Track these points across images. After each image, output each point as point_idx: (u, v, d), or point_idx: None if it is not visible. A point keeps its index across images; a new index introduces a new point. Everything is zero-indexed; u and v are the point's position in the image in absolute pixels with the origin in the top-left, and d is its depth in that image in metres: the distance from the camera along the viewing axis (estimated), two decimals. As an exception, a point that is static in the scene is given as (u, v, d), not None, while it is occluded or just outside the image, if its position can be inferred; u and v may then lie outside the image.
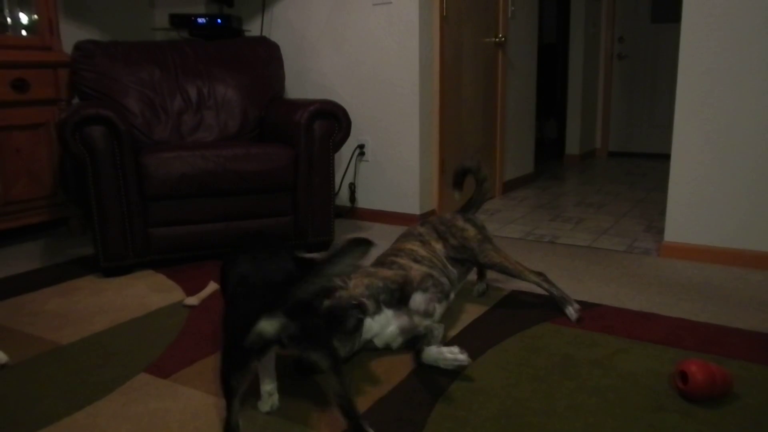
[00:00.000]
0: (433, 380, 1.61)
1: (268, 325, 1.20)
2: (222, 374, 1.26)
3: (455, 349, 1.63)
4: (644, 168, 5.22)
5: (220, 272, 1.59)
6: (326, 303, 1.66)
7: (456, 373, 1.64)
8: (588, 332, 1.90)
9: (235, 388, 1.25)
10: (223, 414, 1.31)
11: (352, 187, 3.53)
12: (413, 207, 3.34)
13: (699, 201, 2.60)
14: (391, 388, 1.57)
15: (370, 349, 1.77)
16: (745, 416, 1.42)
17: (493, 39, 3.84)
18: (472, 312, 2.08)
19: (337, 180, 3.57)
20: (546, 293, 2.13)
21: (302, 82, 3.61)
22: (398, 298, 1.77)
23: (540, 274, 2.06)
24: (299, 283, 1.19)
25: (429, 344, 1.69)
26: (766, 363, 1.68)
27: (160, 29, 3.83)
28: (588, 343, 1.81)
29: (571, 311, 2.01)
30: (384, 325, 1.74)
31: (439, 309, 1.87)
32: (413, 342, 1.77)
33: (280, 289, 1.25)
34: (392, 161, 3.37)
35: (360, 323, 1.68)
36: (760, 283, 2.33)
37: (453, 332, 1.91)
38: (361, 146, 3.45)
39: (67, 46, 3.28)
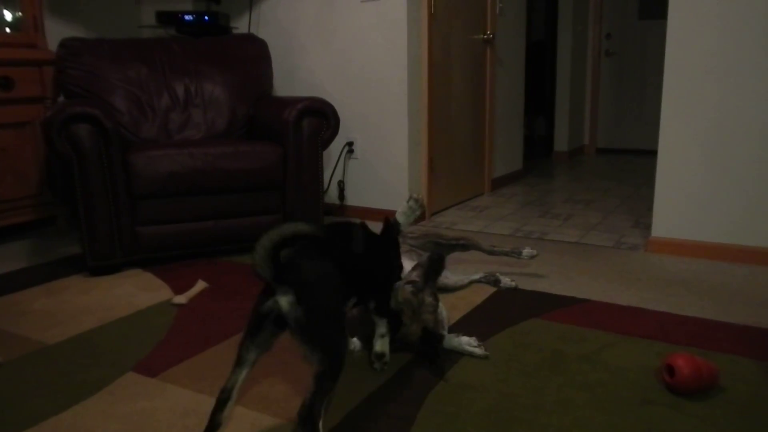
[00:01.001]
0: (423, 376, 1.61)
1: (282, 298, 1.25)
2: (240, 341, 1.29)
3: (474, 341, 1.74)
4: (632, 164, 5.25)
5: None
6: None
7: (445, 369, 1.64)
8: (577, 327, 1.91)
9: (243, 356, 1.28)
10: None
11: (341, 185, 3.53)
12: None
13: (686, 197, 2.62)
14: (380, 384, 1.57)
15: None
16: (731, 408, 1.43)
17: (482, 36, 3.84)
18: (461, 308, 2.08)
19: (326, 178, 3.56)
20: (504, 256, 2.38)
21: (291, 80, 3.60)
22: None
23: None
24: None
25: (444, 329, 1.77)
26: (752, 356, 1.69)
27: (146, 26, 3.80)
28: (576, 339, 1.82)
29: (528, 250, 2.33)
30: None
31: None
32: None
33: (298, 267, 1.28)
34: (381, 158, 3.36)
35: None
36: (746, 278, 2.35)
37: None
38: (350, 144, 3.44)
39: (53, 44, 3.24)
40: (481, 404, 1.47)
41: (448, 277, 2.23)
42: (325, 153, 3.47)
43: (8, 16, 3.10)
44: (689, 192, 2.61)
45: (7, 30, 3.11)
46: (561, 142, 5.69)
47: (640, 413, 1.42)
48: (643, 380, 1.57)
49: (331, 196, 3.58)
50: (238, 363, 1.29)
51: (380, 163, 3.37)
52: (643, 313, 2.01)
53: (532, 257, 2.33)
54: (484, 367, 1.65)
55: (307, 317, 1.24)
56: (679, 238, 2.66)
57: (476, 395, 1.51)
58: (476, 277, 2.32)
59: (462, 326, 1.93)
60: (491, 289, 2.26)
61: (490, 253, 2.34)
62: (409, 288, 1.67)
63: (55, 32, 3.36)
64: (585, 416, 1.41)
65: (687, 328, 1.89)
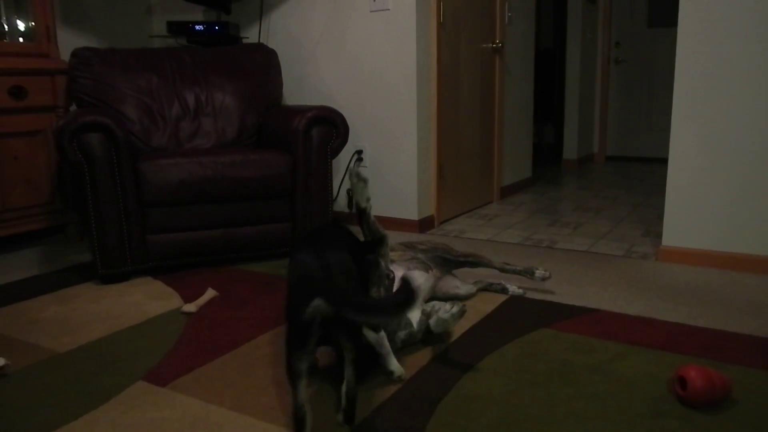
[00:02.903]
0: (432, 387, 1.60)
1: (323, 303, 1.28)
2: (287, 359, 1.32)
3: (447, 305, 1.81)
4: (642, 172, 5.22)
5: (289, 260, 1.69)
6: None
7: (454, 380, 1.64)
8: (586, 338, 1.89)
9: (299, 368, 1.31)
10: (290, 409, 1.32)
11: (350, 193, 3.52)
12: (411, 212, 3.34)
13: (696, 205, 2.61)
14: (389, 395, 1.57)
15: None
16: (744, 422, 1.42)
17: (490, 45, 3.85)
18: (470, 318, 2.07)
19: (335, 186, 3.57)
20: (515, 274, 2.32)
21: (300, 89, 3.62)
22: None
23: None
24: (356, 301, 1.28)
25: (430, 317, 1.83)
26: (765, 368, 1.67)
27: (157, 36, 3.83)
28: (586, 349, 1.81)
29: (541, 271, 2.27)
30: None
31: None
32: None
33: (340, 288, 1.35)
34: (390, 167, 3.37)
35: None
36: (758, 287, 2.33)
37: (451, 337, 1.91)
38: (359, 152, 3.45)
39: (65, 54, 3.28)
40: (491, 416, 1.46)
41: (458, 287, 2.22)
42: (334, 161, 3.49)
43: (21, 25, 3.14)
44: (700, 201, 2.60)
45: (21, 39, 3.15)
46: (570, 149, 5.68)
47: (651, 426, 1.41)
48: (655, 392, 1.56)
49: (340, 204, 3.58)
50: (297, 376, 1.31)
51: (389, 172, 3.38)
52: (654, 324, 2.00)
53: (544, 279, 2.28)
54: (494, 378, 1.65)
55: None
56: (690, 247, 2.64)
57: (486, 406, 1.50)
58: (483, 285, 2.32)
59: (472, 336, 1.92)
60: (501, 299, 2.25)
61: (502, 270, 2.31)
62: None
63: (68, 42, 3.39)
64: (596, 428, 1.40)
65: (698, 339, 1.87)
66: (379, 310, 1.25)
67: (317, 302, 1.27)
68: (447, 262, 2.20)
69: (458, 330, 1.97)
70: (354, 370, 1.40)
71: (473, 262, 2.26)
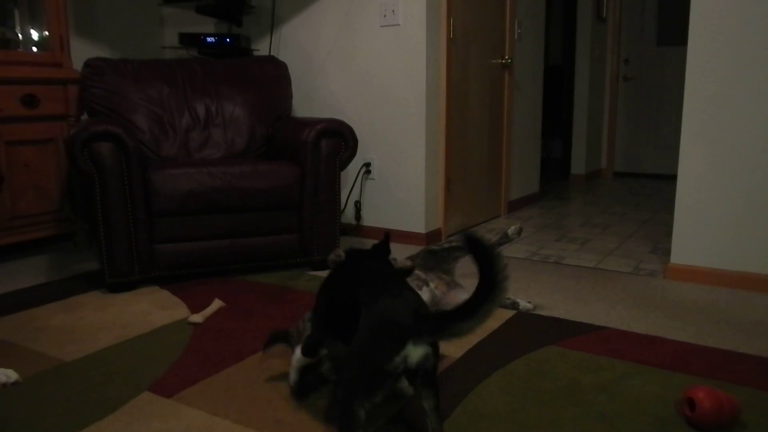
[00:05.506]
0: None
1: (414, 351, 1.17)
2: (346, 402, 1.19)
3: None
4: (650, 188, 5.21)
5: (321, 287, 1.54)
6: None
7: (460, 396, 1.63)
8: (594, 356, 1.88)
9: (360, 416, 1.18)
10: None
11: (358, 205, 3.54)
12: (419, 225, 3.34)
13: (705, 223, 2.59)
14: (393, 412, 1.56)
15: None
16: (753, 445, 1.40)
17: (500, 60, 3.86)
18: (476, 333, 2.06)
19: (343, 198, 3.58)
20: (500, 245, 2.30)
21: (310, 101, 3.64)
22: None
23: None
24: (455, 321, 1.15)
25: None
26: (775, 390, 1.66)
27: (169, 47, 3.87)
28: (594, 367, 1.80)
29: (525, 303, 2.29)
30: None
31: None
32: None
33: (427, 316, 1.21)
34: (398, 180, 3.37)
35: None
36: (767, 307, 2.32)
37: (458, 353, 1.90)
38: (368, 164, 3.46)
39: (78, 63, 3.31)
40: (497, 433, 1.45)
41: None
42: (342, 173, 3.50)
43: (35, 35, 3.18)
44: (709, 219, 2.58)
45: (34, 49, 3.18)
46: (578, 165, 5.68)
47: (659, 447, 1.40)
48: (662, 413, 1.54)
49: (348, 216, 3.59)
50: (359, 425, 1.19)
51: (397, 184, 3.38)
52: (662, 342, 1.99)
53: (516, 235, 2.22)
54: (500, 395, 1.64)
55: (435, 363, 1.22)
56: (699, 265, 2.62)
57: (492, 424, 1.49)
58: None
59: (478, 352, 1.91)
60: (507, 314, 2.24)
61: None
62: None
63: (81, 52, 3.43)
64: (603, 448, 1.39)
65: (707, 359, 1.86)
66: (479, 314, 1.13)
67: (409, 349, 1.15)
68: (435, 254, 2.17)
69: (464, 346, 1.96)
70: (438, 417, 1.27)
71: (457, 247, 2.17)
